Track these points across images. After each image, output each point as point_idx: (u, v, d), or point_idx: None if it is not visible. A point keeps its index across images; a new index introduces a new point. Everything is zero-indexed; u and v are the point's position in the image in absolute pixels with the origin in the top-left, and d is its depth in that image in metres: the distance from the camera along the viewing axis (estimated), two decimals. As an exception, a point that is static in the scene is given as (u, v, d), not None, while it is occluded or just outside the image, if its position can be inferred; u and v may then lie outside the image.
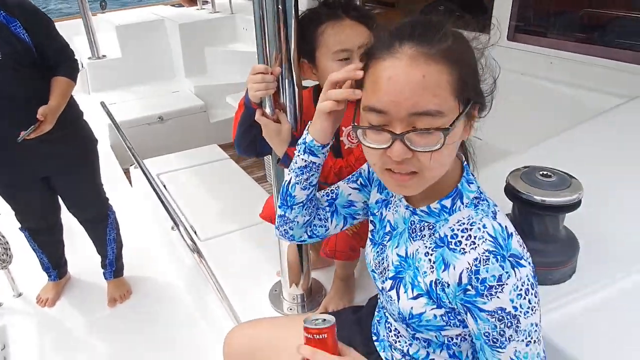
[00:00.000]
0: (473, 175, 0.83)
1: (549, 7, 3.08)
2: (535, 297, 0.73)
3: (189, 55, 4.18)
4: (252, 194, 2.55)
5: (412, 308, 0.82)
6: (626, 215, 1.28)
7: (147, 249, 2.42)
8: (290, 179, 0.94)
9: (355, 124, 0.76)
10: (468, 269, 0.73)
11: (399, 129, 0.69)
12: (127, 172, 3.14)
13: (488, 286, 0.71)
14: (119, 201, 2.27)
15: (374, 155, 0.74)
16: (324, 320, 0.81)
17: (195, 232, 2.19)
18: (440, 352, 0.88)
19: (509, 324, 0.72)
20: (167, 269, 2.26)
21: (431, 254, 0.80)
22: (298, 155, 0.93)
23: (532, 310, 0.72)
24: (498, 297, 0.71)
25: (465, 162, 0.84)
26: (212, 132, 3.83)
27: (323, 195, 1.02)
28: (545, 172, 1.06)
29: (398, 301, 0.85)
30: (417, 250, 0.83)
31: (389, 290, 0.87)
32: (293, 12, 1.02)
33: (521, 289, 0.71)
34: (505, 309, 0.71)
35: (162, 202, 2.20)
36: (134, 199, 2.85)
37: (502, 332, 0.73)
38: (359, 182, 0.99)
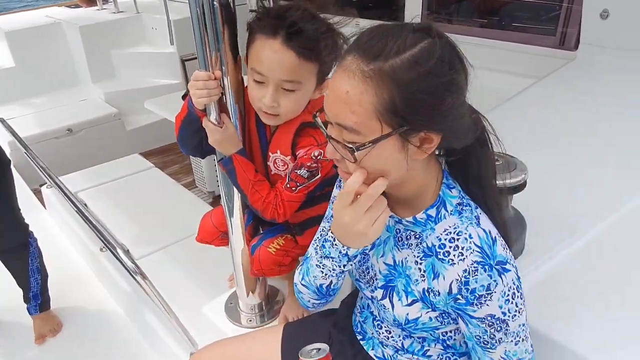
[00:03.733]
0: (454, 180, 0.83)
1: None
2: (521, 298, 0.76)
3: (94, 60, 3.86)
4: (184, 202, 2.43)
5: (407, 314, 0.82)
6: (562, 189, 1.38)
7: (75, 275, 2.21)
8: (331, 281, 0.88)
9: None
10: (458, 280, 0.75)
11: (332, 132, 0.74)
12: (37, 193, 2.85)
13: (477, 295, 0.73)
14: (34, 226, 2.04)
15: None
16: (319, 350, 0.83)
17: (127, 251, 2.04)
18: (435, 345, 0.90)
19: (499, 329, 0.75)
20: (101, 296, 2.08)
21: (420, 263, 0.81)
22: (340, 267, 0.84)
23: (519, 312, 0.76)
24: (487, 304, 0.74)
25: (445, 167, 0.83)
26: (130, 140, 3.59)
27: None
28: (491, 157, 1.10)
29: (393, 309, 0.84)
30: (406, 258, 0.83)
31: (382, 299, 0.86)
32: (232, 9, 0.96)
33: (508, 294, 0.74)
34: (495, 315, 0.74)
35: (86, 221, 2.02)
36: (50, 222, 2.59)
37: (492, 336, 0.76)
38: None
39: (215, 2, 0.93)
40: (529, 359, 0.80)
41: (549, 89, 2.04)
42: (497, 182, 1.04)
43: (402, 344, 0.92)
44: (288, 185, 1.11)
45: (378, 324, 0.96)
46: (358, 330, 1.02)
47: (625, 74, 2.02)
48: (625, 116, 1.74)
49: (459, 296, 0.75)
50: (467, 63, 0.72)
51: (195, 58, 1.00)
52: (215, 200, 3.13)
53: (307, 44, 0.98)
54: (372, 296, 0.89)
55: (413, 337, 0.90)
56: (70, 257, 2.32)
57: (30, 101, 3.82)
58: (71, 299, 2.07)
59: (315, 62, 1.01)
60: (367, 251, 0.89)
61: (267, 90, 1.01)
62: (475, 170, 0.82)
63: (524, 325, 0.78)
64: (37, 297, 1.92)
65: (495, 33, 2.79)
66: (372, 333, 0.98)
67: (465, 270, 0.74)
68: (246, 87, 1.18)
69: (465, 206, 0.80)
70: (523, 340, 0.78)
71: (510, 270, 0.74)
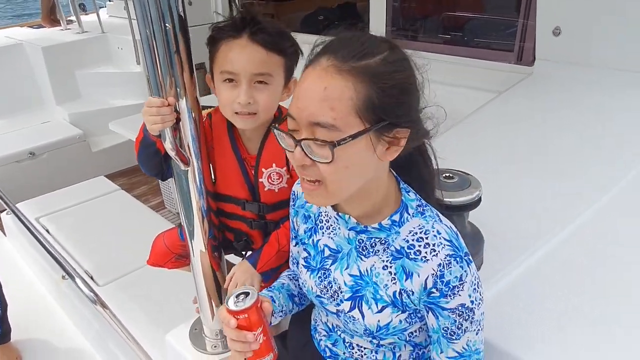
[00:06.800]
0: (408, 184, 0.87)
1: (416, 13, 3.34)
2: (481, 287, 0.81)
3: (58, 81, 3.78)
4: (151, 224, 2.37)
5: (379, 321, 0.84)
6: (519, 203, 1.41)
7: (36, 304, 2.13)
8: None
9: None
10: (433, 274, 0.78)
11: (303, 135, 0.73)
12: (-3, 219, 2.75)
13: (452, 287, 0.77)
14: (-7, 255, 1.98)
15: (291, 159, 0.78)
16: (247, 295, 0.86)
17: (92, 278, 1.98)
18: (405, 347, 0.92)
19: (467, 317, 0.79)
20: (63, 326, 2.00)
21: (390, 267, 0.84)
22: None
23: (482, 300, 0.81)
24: (460, 295, 0.78)
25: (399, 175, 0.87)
26: (95, 162, 3.52)
27: (292, 270, 1.09)
28: (447, 174, 1.13)
29: (363, 318, 0.86)
30: (373, 265, 0.85)
31: (350, 311, 0.87)
32: (181, 34, 0.95)
33: (474, 283, 0.80)
34: (465, 304, 0.79)
35: (45, 249, 1.96)
36: (10, 249, 2.49)
37: (459, 325, 0.80)
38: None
39: (167, 25, 0.92)
40: (482, 349, 0.85)
41: (507, 105, 2.10)
42: (452, 199, 1.08)
43: (376, 358, 0.94)
44: None
45: (349, 344, 0.96)
46: (328, 355, 1.01)
47: (579, 88, 2.10)
48: (577, 130, 1.80)
49: (433, 290, 0.78)
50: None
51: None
52: (184, 221, 3.08)
53: (271, 38, 1.04)
54: (337, 310, 0.90)
55: (384, 347, 0.91)
56: (32, 286, 2.24)
57: (-10, 124, 3.72)
58: (33, 330, 1.99)
59: (281, 55, 1.07)
60: (327, 266, 0.91)
61: (240, 88, 1.05)
62: (418, 178, 0.88)
63: (482, 314, 0.82)
64: (-4, 329, 1.84)
65: (457, 49, 2.87)
66: (346, 354, 0.98)
67: (439, 265, 0.78)
68: (206, 112, 1.18)
69: (425, 207, 0.85)
70: (481, 329, 0.83)
71: (472, 262, 0.80)
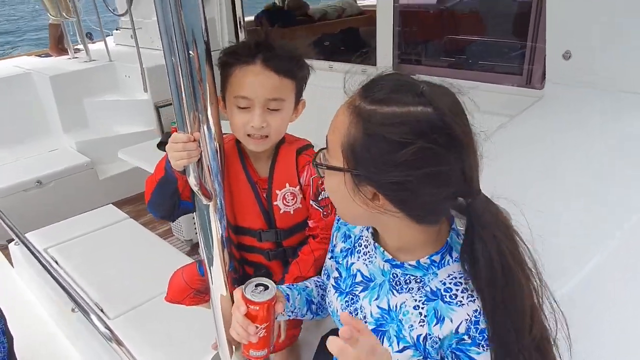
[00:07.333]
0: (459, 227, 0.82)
1: (420, 37, 3.37)
2: None
3: (66, 109, 3.79)
4: (161, 253, 2.34)
5: None
6: (541, 232, 1.38)
7: (44, 339, 2.08)
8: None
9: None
10: (467, 319, 0.75)
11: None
12: (4, 250, 2.72)
13: (486, 337, 0.73)
14: (0, 285, 1.94)
15: None
16: (266, 288, 0.88)
17: (102, 310, 1.94)
18: None
19: None
20: (73, 360, 1.96)
21: (422, 307, 0.80)
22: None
23: None
24: None
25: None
26: (103, 190, 3.51)
27: (322, 280, 1.08)
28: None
29: None
30: (404, 303, 0.82)
31: None
32: (207, 68, 0.95)
33: None
34: None
35: (55, 280, 1.92)
36: (18, 281, 2.45)
37: None
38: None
39: (191, 52, 0.91)
40: None
41: (521, 128, 2.08)
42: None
43: None
44: (325, 214, 1.15)
45: None
46: None
47: (592, 111, 2.08)
48: (592, 154, 1.78)
49: (465, 336, 0.75)
50: (467, 154, 0.73)
51: (169, 104, 0.99)
52: (192, 249, 3.04)
53: (283, 64, 1.07)
54: None
55: None
56: (40, 319, 2.19)
57: (-4, 153, 3.72)
58: (41, 365, 1.94)
59: (292, 79, 1.10)
60: (356, 292, 0.89)
61: (254, 113, 1.07)
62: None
63: None
64: (3, 365, 1.80)
65: (463, 73, 2.88)
66: None
67: (476, 311, 0.74)
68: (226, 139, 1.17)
69: None
70: None
71: None
